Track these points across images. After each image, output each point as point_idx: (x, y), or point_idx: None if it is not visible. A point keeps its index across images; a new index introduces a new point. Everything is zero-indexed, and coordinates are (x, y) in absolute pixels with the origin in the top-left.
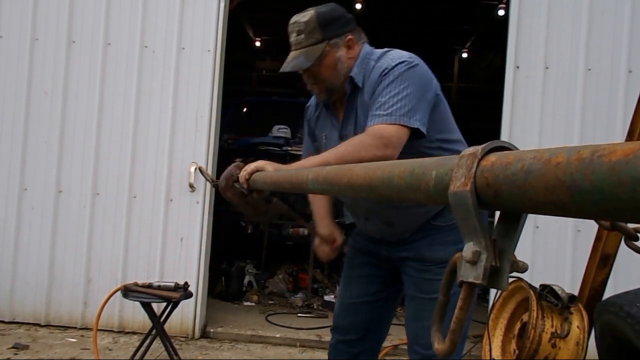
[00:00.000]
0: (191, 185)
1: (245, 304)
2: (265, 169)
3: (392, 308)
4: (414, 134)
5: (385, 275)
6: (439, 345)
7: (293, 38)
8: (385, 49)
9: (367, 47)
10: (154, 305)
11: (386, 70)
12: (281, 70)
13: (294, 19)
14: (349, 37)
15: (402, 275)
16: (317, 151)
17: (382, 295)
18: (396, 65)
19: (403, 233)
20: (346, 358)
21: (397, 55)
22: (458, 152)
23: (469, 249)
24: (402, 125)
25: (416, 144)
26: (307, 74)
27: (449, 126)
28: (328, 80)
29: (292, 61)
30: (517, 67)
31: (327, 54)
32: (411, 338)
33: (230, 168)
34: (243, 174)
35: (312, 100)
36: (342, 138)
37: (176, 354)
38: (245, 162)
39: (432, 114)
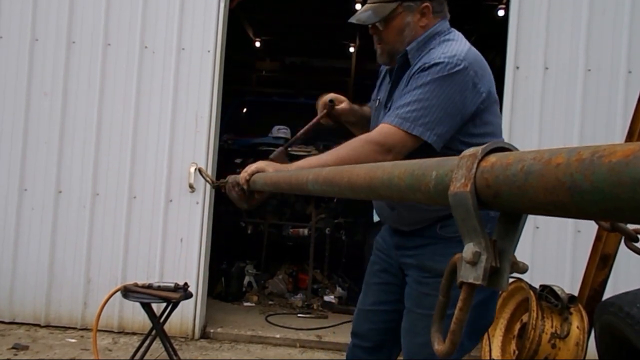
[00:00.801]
0: (191, 186)
1: (245, 304)
2: (265, 170)
3: None
4: (428, 144)
5: (401, 285)
6: (439, 346)
7: None
8: (450, 37)
9: (443, 25)
10: (154, 306)
11: (425, 67)
12: (348, 20)
13: None
14: (426, 4)
15: (405, 285)
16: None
17: (396, 306)
18: (437, 64)
19: (403, 223)
20: None
21: (450, 51)
22: None
23: (469, 249)
24: (413, 135)
25: (437, 151)
26: (373, 31)
27: (487, 139)
28: (391, 43)
29: (360, 14)
30: (517, 67)
31: (397, 16)
32: (405, 352)
33: (231, 179)
34: (243, 175)
35: None
36: (385, 107)
37: (176, 355)
38: (245, 164)
39: (467, 124)
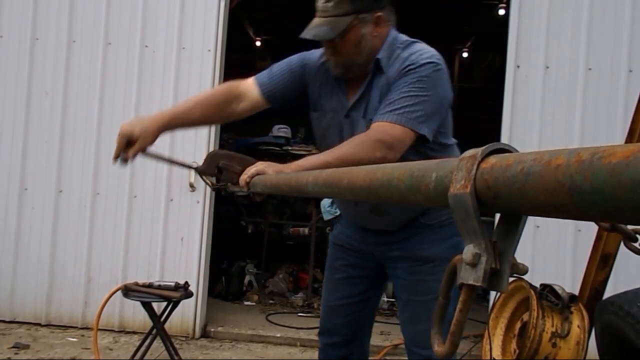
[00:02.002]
0: (191, 185)
1: (246, 303)
2: (265, 172)
3: (374, 308)
4: (419, 138)
5: (369, 276)
6: (439, 348)
7: (320, 3)
8: (409, 39)
9: (394, 31)
10: (155, 305)
11: (412, 67)
12: (301, 36)
13: None
14: (379, 14)
15: (393, 278)
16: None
17: (364, 296)
18: (424, 64)
19: (392, 224)
20: None
21: (426, 52)
22: (454, 155)
23: (469, 251)
24: (410, 129)
25: (420, 146)
26: (328, 44)
27: (448, 131)
28: (348, 55)
29: (315, 29)
30: (518, 66)
31: (352, 28)
32: (408, 340)
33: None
34: (243, 177)
35: (316, 56)
36: (347, 117)
37: (176, 354)
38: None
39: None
